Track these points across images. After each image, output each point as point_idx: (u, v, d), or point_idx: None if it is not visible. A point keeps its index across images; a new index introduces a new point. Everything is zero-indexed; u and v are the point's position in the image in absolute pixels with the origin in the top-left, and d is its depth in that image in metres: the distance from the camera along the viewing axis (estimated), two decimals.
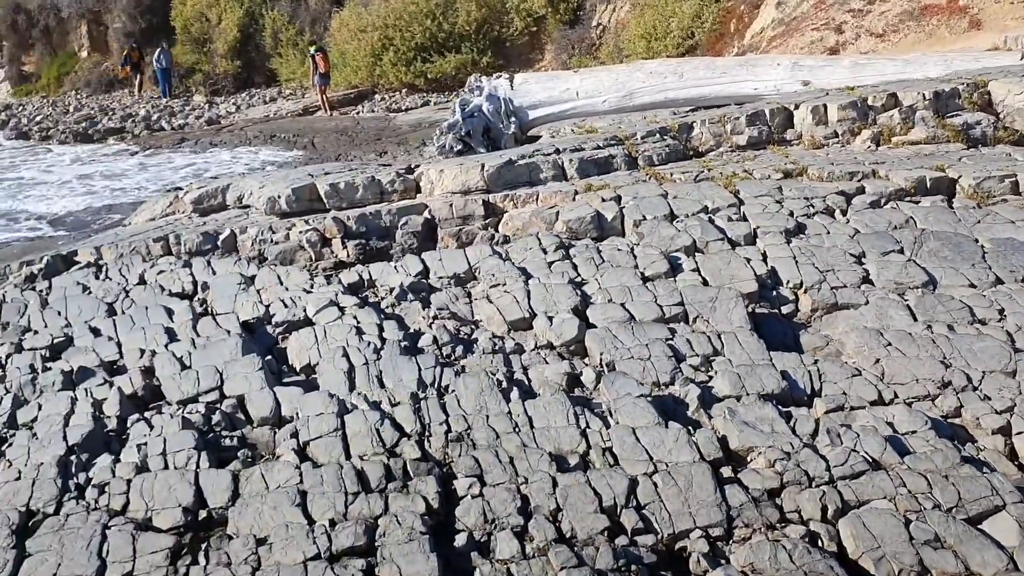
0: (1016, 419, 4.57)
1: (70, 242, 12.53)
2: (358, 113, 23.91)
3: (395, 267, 6.56)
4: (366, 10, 25.67)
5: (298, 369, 5.57)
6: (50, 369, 5.74)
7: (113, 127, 24.51)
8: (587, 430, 4.61)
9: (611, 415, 4.73)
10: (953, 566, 3.74)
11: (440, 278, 6.33)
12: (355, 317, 5.82)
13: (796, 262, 5.86)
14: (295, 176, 8.46)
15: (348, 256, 7.55)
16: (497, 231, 7.44)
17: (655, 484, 4.23)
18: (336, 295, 6.13)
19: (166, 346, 5.85)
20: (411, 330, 5.77)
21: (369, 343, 5.48)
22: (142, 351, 5.82)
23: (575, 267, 6.09)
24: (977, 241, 6.04)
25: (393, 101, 24.47)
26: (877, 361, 4.99)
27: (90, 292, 6.80)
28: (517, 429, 4.67)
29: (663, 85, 12.06)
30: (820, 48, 15.64)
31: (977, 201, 6.61)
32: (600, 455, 4.46)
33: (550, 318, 5.57)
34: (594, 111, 12.62)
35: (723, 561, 3.94)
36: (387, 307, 6.11)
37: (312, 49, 24.26)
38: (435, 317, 5.87)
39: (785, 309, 5.63)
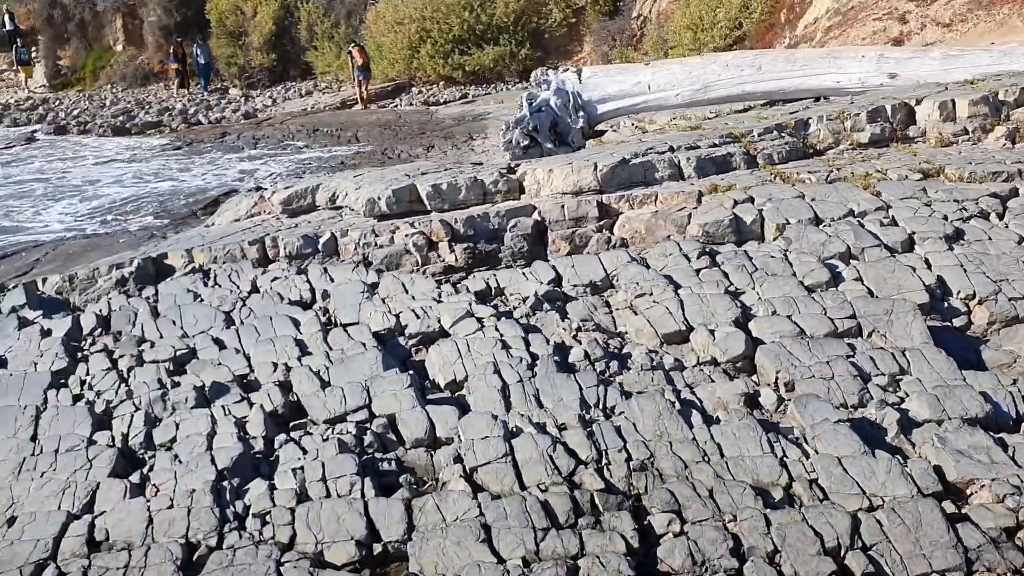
0: None
1: (138, 242, 12.18)
2: (396, 106, 23.52)
3: (523, 274, 6.18)
4: (403, 2, 25.24)
5: (442, 385, 5.19)
6: (179, 384, 5.38)
7: (151, 121, 24.19)
8: (785, 459, 4.23)
9: (807, 442, 4.35)
10: None
11: (575, 286, 5.94)
12: (497, 329, 5.43)
13: (964, 271, 5.46)
14: (391, 176, 8.07)
15: (456, 260, 7.17)
16: (612, 233, 7.05)
17: (879, 522, 3.85)
18: (470, 305, 5.75)
19: (299, 359, 5.48)
20: (555, 343, 5.38)
21: (520, 359, 5.10)
22: (274, 364, 5.45)
23: (726, 275, 5.69)
24: None
25: (431, 94, 24.08)
26: None
27: (202, 300, 6.43)
28: (707, 458, 4.28)
29: (740, 78, 11.60)
30: (883, 39, 15.17)
31: None
32: (807, 488, 4.08)
33: (711, 331, 5.18)
34: (666, 105, 12.19)
35: None
36: (521, 317, 5.73)
37: (350, 46, 23.93)
38: (579, 329, 5.49)
39: (957, 322, 5.23)
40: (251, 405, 5.10)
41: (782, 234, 6.08)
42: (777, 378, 4.81)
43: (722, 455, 4.29)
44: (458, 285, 6.16)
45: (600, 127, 12.72)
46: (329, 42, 26.91)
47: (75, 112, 25.88)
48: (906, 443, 4.33)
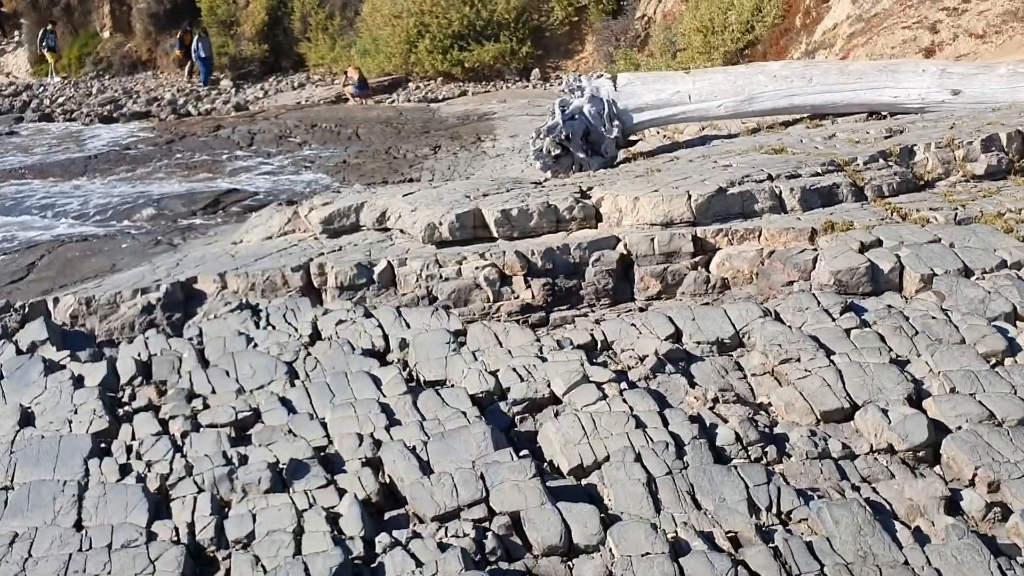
0: None
1: (143, 248, 11.13)
2: (393, 102, 22.49)
3: (634, 325, 5.27)
4: None
5: (566, 471, 4.28)
6: (247, 460, 4.42)
7: (139, 111, 22.98)
8: None
9: None
10: None
11: (698, 343, 5.05)
12: (624, 399, 4.53)
13: None
14: (451, 198, 7.13)
15: (534, 298, 6.27)
16: (709, 272, 6.18)
17: None
18: (583, 365, 4.84)
19: (387, 430, 4.55)
20: (688, 416, 4.49)
21: (664, 443, 4.20)
22: (359, 436, 4.50)
23: (882, 338, 4.83)
24: None
25: (429, 90, 23.11)
26: None
27: (256, 346, 5.47)
28: None
29: (788, 89, 10.80)
30: (913, 48, 14.40)
31: None
32: None
33: (883, 411, 4.32)
34: (708, 116, 11.38)
35: None
36: (639, 380, 4.84)
37: (347, 68, 23.18)
38: (716, 400, 4.60)
39: None
40: (339, 492, 4.17)
41: (928, 287, 5.23)
42: (975, 476, 3.96)
43: None
44: (561, 338, 5.23)
45: (633, 138, 11.91)
46: (323, 34, 25.75)
47: (60, 99, 24.55)
48: None
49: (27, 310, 6.71)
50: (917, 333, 4.81)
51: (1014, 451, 3.99)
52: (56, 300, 6.84)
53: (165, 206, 13.80)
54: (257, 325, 5.70)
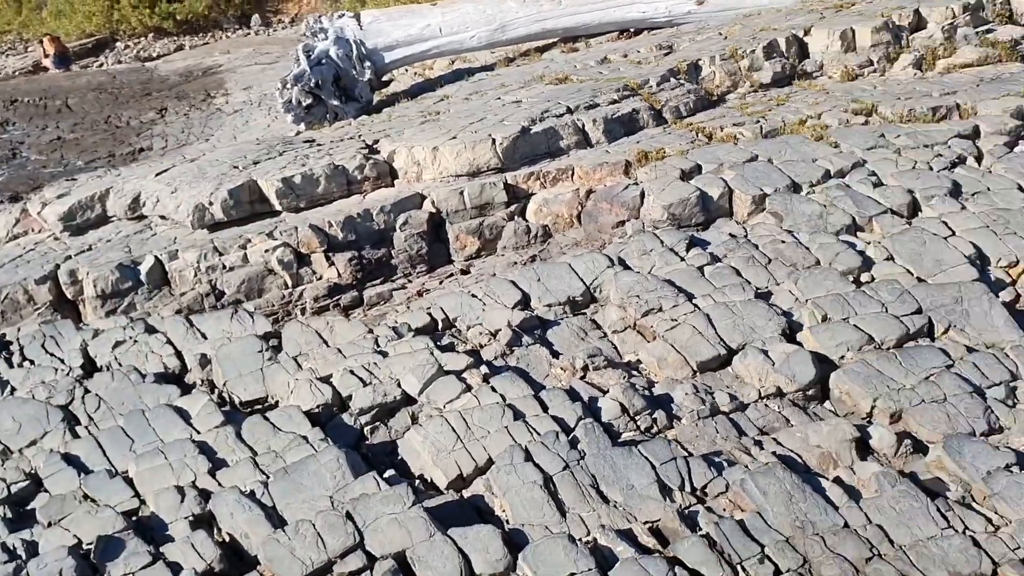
0: None
1: None
2: (102, 66, 20.04)
3: (474, 295, 4.57)
4: None
5: (443, 485, 3.57)
6: (37, 547, 3.35)
7: None
8: (975, 536, 3.08)
9: (975, 501, 3.22)
10: None
11: (548, 306, 4.44)
12: (493, 388, 3.85)
13: (995, 234, 4.53)
14: (215, 171, 6.04)
15: (340, 276, 5.42)
16: (527, 220, 5.58)
17: None
18: (432, 354, 4.09)
19: (212, 474, 3.62)
20: (566, 392, 3.90)
21: (555, 434, 3.57)
22: (179, 491, 3.55)
23: (737, 272, 4.42)
24: None
25: (140, 48, 20.77)
26: None
27: (14, 391, 4.27)
28: (875, 551, 3.05)
29: (539, 14, 10.37)
30: None
31: None
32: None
33: (763, 352, 3.92)
34: (462, 48, 10.74)
35: None
36: (494, 358, 4.18)
37: (42, 36, 20.24)
38: (586, 368, 4.03)
39: (1004, 295, 4.29)
40: (172, 568, 3.23)
41: (761, 208, 4.90)
42: (874, 409, 3.65)
43: (891, 543, 3.07)
44: (396, 324, 4.44)
45: (385, 78, 11.06)
46: None
47: None
48: None
49: None
50: (771, 261, 4.46)
51: (906, 375, 3.71)
52: None
53: None
54: (10, 363, 4.48)
